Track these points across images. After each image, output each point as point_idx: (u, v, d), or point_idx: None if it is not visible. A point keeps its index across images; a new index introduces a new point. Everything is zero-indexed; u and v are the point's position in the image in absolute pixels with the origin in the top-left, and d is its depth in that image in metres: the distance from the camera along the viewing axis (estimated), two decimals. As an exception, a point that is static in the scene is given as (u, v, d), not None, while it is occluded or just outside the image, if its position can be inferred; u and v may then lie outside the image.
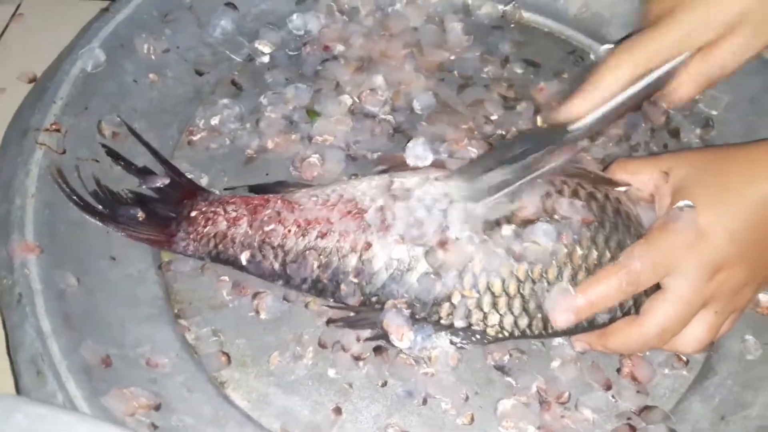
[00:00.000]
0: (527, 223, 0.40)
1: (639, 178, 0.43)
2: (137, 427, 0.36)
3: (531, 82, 0.53)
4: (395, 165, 0.44)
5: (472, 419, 0.40)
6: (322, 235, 0.41)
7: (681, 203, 0.39)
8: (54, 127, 0.44)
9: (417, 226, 0.40)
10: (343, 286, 0.41)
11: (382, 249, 0.40)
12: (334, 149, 0.48)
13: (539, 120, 0.47)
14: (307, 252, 0.41)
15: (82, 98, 0.46)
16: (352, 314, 0.41)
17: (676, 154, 0.44)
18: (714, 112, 0.52)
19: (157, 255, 0.44)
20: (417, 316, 0.40)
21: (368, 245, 0.40)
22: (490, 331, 0.40)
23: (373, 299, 0.41)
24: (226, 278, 0.43)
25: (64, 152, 0.44)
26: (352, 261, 0.41)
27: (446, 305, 0.40)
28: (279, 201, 0.43)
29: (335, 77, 0.51)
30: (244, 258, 0.42)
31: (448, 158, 0.45)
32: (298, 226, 0.42)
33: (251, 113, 0.49)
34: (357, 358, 0.41)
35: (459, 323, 0.40)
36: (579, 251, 0.40)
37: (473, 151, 0.48)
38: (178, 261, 0.44)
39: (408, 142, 0.45)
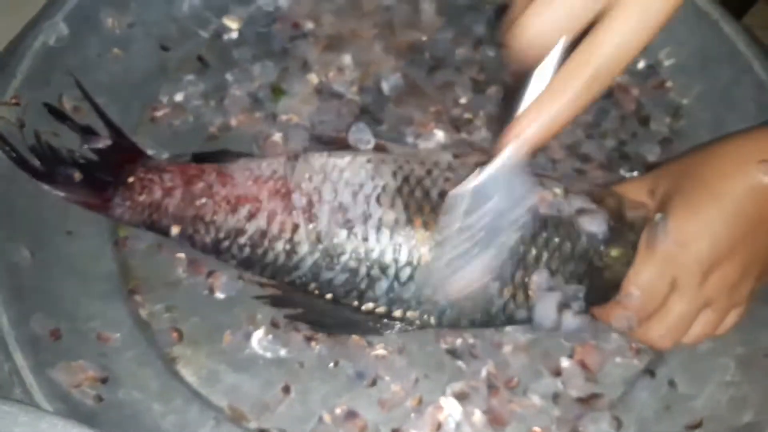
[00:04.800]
0: None
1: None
2: (82, 398, 0.37)
3: (503, 66, 0.52)
4: (339, 146, 0.44)
5: (420, 401, 0.41)
6: (251, 215, 0.41)
7: (655, 218, 0.40)
8: (13, 100, 0.44)
9: (342, 212, 0.40)
10: (270, 268, 0.41)
11: (307, 234, 0.40)
12: (299, 128, 0.47)
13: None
14: (237, 233, 0.41)
15: (43, 72, 0.45)
16: (278, 292, 0.42)
17: (657, 171, 0.44)
18: (684, 101, 0.51)
19: (113, 230, 0.44)
20: (341, 302, 0.41)
21: (295, 227, 0.40)
22: (411, 316, 0.40)
23: (298, 282, 0.41)
24: (182, 255, 0.43)
25: (23, 126, 0.44)
26: (279, 245, 0.41)
27: (370, 293, 0.40)
28: (214, 173, 0.42)
29: (303, 55, 0.50)
30: (174, 231, 0.42)
31: (389, 143, 0.44)
32: (228, 203, 0.41)
33: (216, 90, 0.49)
34: (309, 339, 0.42)
35: (380, 310, 0.40)
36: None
37: (440, 135, 0.48)
38: (134, 237, 0.44)
39: (373, 123, 0.44)
